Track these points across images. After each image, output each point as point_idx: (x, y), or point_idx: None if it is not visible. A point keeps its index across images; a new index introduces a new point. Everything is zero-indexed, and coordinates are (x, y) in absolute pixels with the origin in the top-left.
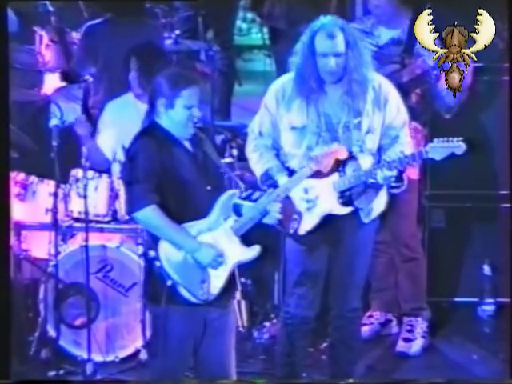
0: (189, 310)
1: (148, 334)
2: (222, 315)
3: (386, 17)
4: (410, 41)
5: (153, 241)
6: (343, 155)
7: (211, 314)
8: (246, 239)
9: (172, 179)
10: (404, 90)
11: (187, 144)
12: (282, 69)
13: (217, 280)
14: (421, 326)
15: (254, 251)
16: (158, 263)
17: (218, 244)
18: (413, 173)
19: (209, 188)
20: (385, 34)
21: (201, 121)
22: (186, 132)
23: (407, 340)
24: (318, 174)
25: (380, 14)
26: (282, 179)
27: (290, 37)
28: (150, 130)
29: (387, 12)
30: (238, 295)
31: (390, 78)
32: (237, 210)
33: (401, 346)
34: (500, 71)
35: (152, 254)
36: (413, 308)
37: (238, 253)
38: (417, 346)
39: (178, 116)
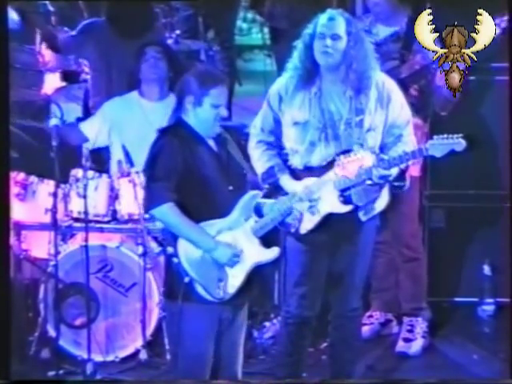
0: (204, 309)
1: (156, 331)
2: (235, 315)
3: (385, 14)
4: (409, 37)
5: (172, 237)
6: (369, 162)
7: (225, 312)
8: (266, 240)
9: (194, 177)
10: (403, 86)
11: (212, 143)
12: (282, 69)
13: (234, 279)
14: (421, 325)
15: (273, 253)
16: (175, 260)
17: (237, 243)
18: (414, 170)
19: (231, 188)
20: (383, 32)
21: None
22: (212, 131)
23: (407, 340)
24: (318, 173)
25: (378, 12)
26: (284, 178)
27: (290, 37)
28: (175, 128)
29: (385, 10)
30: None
31: (390, 74)
32: (258, 211)
33: (401, 346)
34: (500, 71)
35: (170, 250)
36: (413, 308)
37: (257, 253)
38: (417, 346)
39: (205, 114)
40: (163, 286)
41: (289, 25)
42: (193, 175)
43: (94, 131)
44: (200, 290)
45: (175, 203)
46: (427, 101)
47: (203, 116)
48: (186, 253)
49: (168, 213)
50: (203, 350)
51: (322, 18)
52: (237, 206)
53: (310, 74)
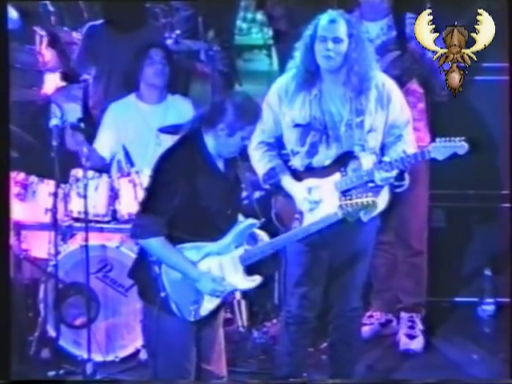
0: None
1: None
2: (213, 318)
3: (368, 10)
4: (398, 26)
5: None
6: (374, 209)
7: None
8: (250, 268)
9: (194, 202)
10: (408, 75)
11: (221, 164)
12: (284, 68)
13: (209, 303)
14: (419, 321)
15: (254, 282)
16: (157, 269)
17: (222, 269)
18: None
19: (229, 212)
20: (372, 28)
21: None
22: (229, 155)
23: (410, 337)
24: (319, 174)
25: (362, 9)
26: (285, 179)
27: (294, 36)
28: (190, 141)
29: (368, 5)
30: (237, 295)
31: (393, 65)
32: (251, 239)
33: (404, 343)
34: (500, 71)
35: (154, 257)
36: (415, 303)
37: (239, 281)
38: (420, 342)
39: (232, 143)
40: (139, 285)
41: (292, 25)
42: (193, 200)
43: (108, 148)
44: (173, 306)
45: (165, 237)
46: (430, 84)
47: (230, 144)
48: (167, 271)
49: (156, 246)
50: (183, 351)
51: (323, 20)
52: (230, 232)
53: (311, 75)
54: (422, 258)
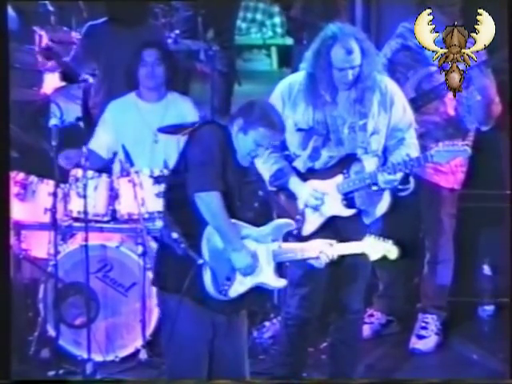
0: (197, 312)
1: (156, 331)
2: (230, 321)
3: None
4: None
5: (176, 223)
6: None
7: (218, 318)
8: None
9: (226, 177)
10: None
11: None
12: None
13: (240, 286)
14: (435, 323)
15: (279, 283)
16: (182, 245)
17: (257, 256)
18: (446, 181)
19: (238, 204)
20: None
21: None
22: (242, 160)
23: (421, 337)
24: (322, 176)
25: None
26: (292, 180)
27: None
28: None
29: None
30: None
31: None
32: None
33: (413, 342)
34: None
35: (175, 236)
36: (434, 305)
37: (267, 276)
38: (431, 342)
39: (243, 143)
40: (159, 276)
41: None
42: (225, 179)
43: (105, 146)
44: (207, 278)
45: (221, 194)
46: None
47: (241, 144)
48: (209, 238)
49: (214, 200)
50: (195, 350)
51: (339, 50)
52: (270, 224)
53: (321, 82)
54: (447, 265)
